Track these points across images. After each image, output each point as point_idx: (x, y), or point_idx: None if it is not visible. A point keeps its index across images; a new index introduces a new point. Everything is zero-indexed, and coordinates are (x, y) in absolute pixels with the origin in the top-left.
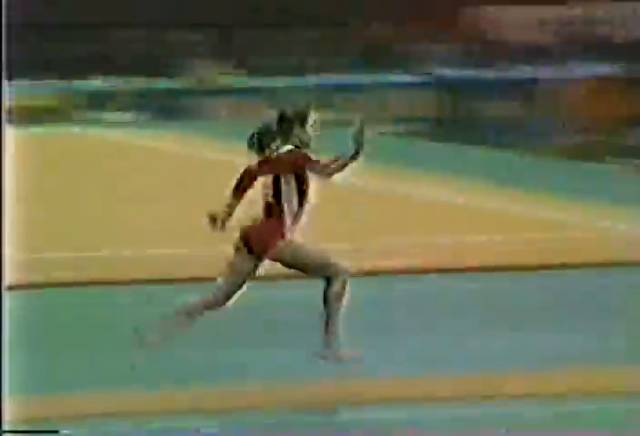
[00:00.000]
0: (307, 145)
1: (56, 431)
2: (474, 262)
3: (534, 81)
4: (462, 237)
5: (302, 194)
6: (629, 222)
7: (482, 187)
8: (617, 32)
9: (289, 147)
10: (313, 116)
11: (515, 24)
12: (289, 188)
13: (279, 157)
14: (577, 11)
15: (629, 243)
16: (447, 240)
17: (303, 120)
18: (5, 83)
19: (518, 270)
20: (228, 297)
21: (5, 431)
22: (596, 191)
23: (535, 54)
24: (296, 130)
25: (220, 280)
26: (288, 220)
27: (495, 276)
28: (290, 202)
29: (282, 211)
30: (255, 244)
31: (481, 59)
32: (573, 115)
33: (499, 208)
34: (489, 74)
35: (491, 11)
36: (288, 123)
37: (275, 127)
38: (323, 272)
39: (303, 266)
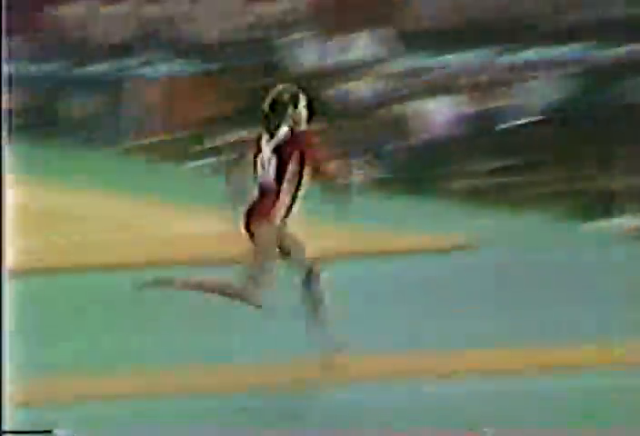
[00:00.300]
0: (299, 127)
1: (50, 431)
2: None
3: (118, 78)
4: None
5: (301, 178)
6: (202, 221)
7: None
8: (205, 30)
9: (286, 128)
10: (304, 98)
11: (99, 22)
12: (293, 169)
13: (296, 136)
14: (157, 9)
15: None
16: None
17: (296, 101)
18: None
19: None
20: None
21: (5, 432)
22: (174, 191)
23: (118, 51)
24: (290, 111)
25: None
26: (286, 200)
27: None
28: (290, 182)
29: (280, 191)
30: (250, 222)
31: (60, 56)
32: (156, 114)
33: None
34: (69, 71)
35: (76, 10)
36: (283, 105)
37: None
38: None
39: (261, 249)
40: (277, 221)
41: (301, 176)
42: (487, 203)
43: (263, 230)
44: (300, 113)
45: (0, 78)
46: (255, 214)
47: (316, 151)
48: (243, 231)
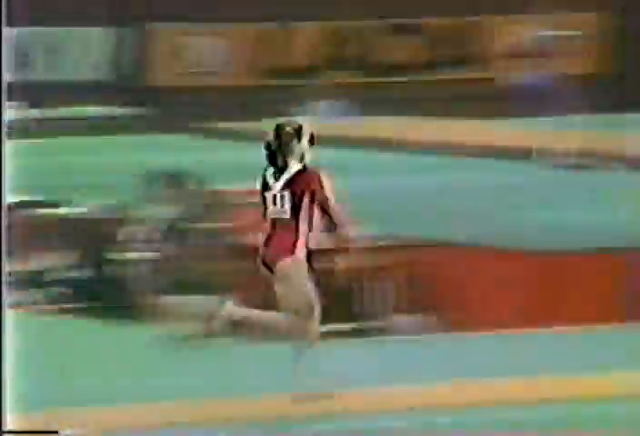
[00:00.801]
0: (303, 160)
1: (56, 432)
2: None
3: None
4: None
5: (312, 216)
6: None
7: None
8: None
9: (297, 164)
10: (308, 130)
11: None
12: (307, 206)
13: (310, 174)
14: None
15: None
16: None
17: (300, 134)
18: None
19: None
20: None
21: (5, 432)
22: None
23: None
24: (294, 144)
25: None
26: (302, 238)
27: None
28: (304, 221)
29: (297, 229)
30: (269, 260)
31: None
32: None
33: None
34: None
35: None
36: (287, 138)
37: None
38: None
39: (295, 289)
40: (302, 256)
41: (312, 212)
42: None
43: (291, 266)
44: (303, 147)
45: (0, 82)
46: (276, 252)
47: (324, 193)
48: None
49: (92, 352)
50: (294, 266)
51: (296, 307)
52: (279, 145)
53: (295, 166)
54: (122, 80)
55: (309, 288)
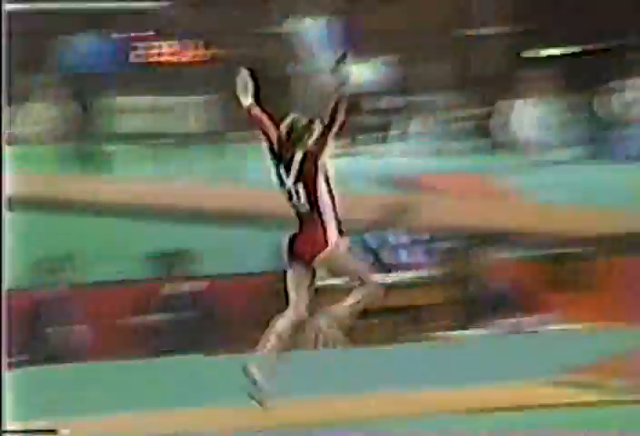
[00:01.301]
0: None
1: (57, 432)
2: None
3: None
4: None
5: (333, 201)
6: None
7: None
8: None
9: (300, 154)
10: (318, 125)
11: None
12: (324, 191)
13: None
14: None
15: None
16: None
17: (311, 129)
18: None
19: None
20: (308, 307)
21: (5, 432)
22: None
23: None
24: (305, 139)
25: (292, 294)
26: (330, 226)
27: None
28: (327, 207)
29: (321, 219)
30: (303, 254)
31: None
32: None
33: None
34: None
35: None
36: (298, 134)
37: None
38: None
39: (345, 272)
40: (337, 244)
41: (332, 196)
42: None
43: (330, 257)
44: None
45: (0, 80)
46: (310, 249)
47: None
48: None
49: None
50: (332, 256)
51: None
52: (288, 139)
53: (299, 157)
54: None
55: (356, 266)
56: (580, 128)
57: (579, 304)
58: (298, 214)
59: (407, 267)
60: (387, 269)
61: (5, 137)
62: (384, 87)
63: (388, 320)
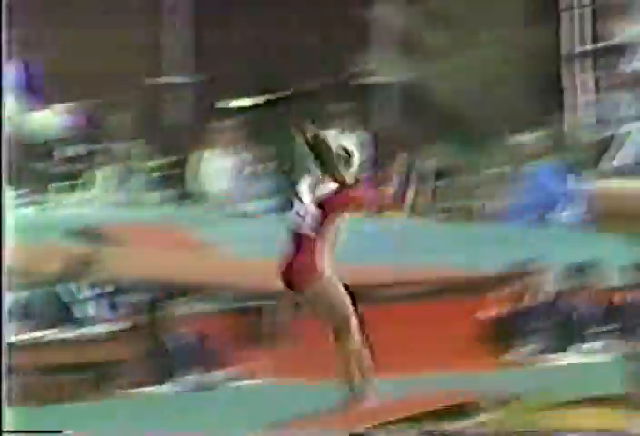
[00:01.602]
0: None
1: (59, 431)
2: None
3: None
4: None
5: (338, 233)
6: None
7: None
8: None
9: (333, 184)
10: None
11: None
12: (335, 225)
13: (350, 192)
14: None
15: None
16: None
17: (349, 157)
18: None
19: None
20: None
21: (6, 431)
22: None
23: None
24: (342, 166)
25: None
26: (326, 256)
27: None
28: (329, 239)
29: (322, 246)
30: (294, 280)
31: None
32: None
33: None
34: None
35: None
36: (323, 152)
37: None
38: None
39: (327, 306)
40: (327, 272)
41: (338, 231)
42: None
43: (318, 285)
44: (352, 168)
45: (0, 84)
46: (299, 272)
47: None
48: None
49: None
50: (320, 286)
51: (334, 325)
52: (317, 157)
53: (333, 186)
54: None
55: (341, 302)
56: (270, 180)
57: (266, 359)
58: (293, 233)
59: (94, 321)
60: (79, 323)
61: (4, 137)
62: (73, 134)
63: (74, 377)
